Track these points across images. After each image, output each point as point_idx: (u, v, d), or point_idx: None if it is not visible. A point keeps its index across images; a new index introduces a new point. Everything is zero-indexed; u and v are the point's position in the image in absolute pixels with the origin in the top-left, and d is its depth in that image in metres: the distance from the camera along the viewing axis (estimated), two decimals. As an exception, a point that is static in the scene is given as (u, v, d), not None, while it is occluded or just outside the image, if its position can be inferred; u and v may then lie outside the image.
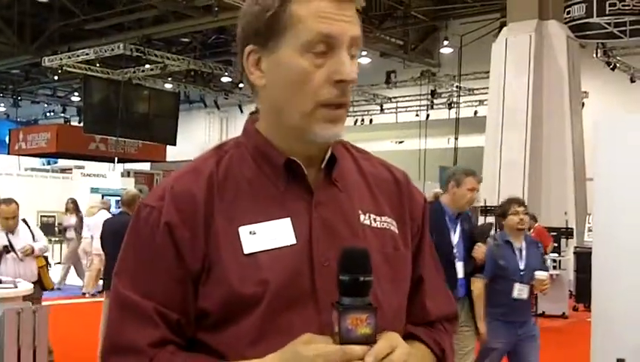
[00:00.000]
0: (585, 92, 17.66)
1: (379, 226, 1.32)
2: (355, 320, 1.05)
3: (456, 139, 20.06)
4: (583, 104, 16.79)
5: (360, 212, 1.31)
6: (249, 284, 1.20)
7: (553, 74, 14.27)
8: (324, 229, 1.26)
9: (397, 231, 1.34)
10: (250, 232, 1.23)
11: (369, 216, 1.31)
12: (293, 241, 1.23)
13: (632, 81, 19.32)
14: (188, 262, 1.22)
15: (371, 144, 26.19)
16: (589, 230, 4.90)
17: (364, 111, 25.09)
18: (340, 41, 1.23)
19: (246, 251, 1.22)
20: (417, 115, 22.94)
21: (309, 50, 1.22)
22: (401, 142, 25.09)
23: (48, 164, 26.17)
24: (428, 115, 22.67)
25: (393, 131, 24.66)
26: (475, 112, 21.42)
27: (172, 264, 1.22)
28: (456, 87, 21.72)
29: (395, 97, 24.04)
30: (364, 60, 22.58)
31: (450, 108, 22.27)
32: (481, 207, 13.32)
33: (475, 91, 21.03)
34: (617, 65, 18.47)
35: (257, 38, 1.26)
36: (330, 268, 1.19)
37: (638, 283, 3.90)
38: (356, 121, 25.39)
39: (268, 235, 1.23)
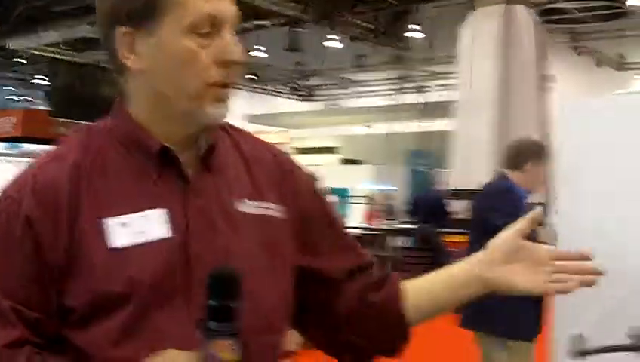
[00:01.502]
0: (552, 76, 17.83)
1: (259, 213, 1.24)
2: (220, 345, 1.03)
3: (425, 123, 20.15)
4: (550, 88, 16.95)
5: (239, 199, 1.23)
6: (118, 281, 1.11)
7: (520, 58, 14.38)
8: (201, 220, 1.18)
9: (281, 216, 1.26)
10: (121, 224, 1.14)
11: (249, 203, 1.23)
12: (168, 234, 1.15)
13: (598, 65, 19.55)
14: (48, 257, 1.13)
15: (340, 128, 26.24)
16: (556, 212, 4.90)
17: (334, 95, 25.08)
18: (224, 21, 1.17)
19: (116, 245, 1.13)
20: (387, 99, 22.99)
21: (194, 32, 1.15)
22: (370, 126, 25.14)
23: (13, 148, 25.80)
24: (397, 99, 22.73)
25: (362, 115, 24.67)
26: (444, 97, 21.51)
27: (31, 259, 1.13)
28: (426, 71, 21.79)
29: (364, 81, 24.03)
30: (335, 44, 22.53)
31: (419, 93, 22.36)
32: (452, 190, 13.44)
33: (445, 75, 21.11)
34: (584, 49, 18.67)
35: (132, 20, 1.16)
36: (206, 263, 1.13)
37: (598, 262, 3.96)
38: (326, 105, 25.39)
39: (140, 228, 1.14)
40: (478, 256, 1.29)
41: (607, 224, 3.95)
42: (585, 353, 0.88)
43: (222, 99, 1.19)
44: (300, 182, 1.33)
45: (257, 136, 1.39)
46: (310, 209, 1.32)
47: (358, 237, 10.56)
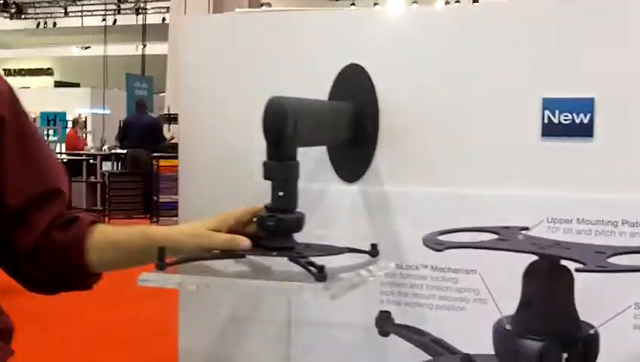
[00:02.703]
0: (266, 3, 18.31)
1: None
2: None
3: (144, 46, 19.83)
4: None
5: None
6: None
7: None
8: None
9: None
10: None
11: None
12: None
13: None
14: None
15: (56, 49, 24.89)
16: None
17: (47, 13, 23.68)
18: None
19: None
20: (104, 20, 22.22)
21: None
22: (87, 48, 24.20)
23: None
24: (115, 20, 22.05)
25: (78, 36, 23.64)
26: (163, 19, 21.22)
27: None
28: (143, -8, 21.34)
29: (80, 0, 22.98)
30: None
31: (137, 14, 21.85)
32: (166, 114, 13.48)
33: (163, -3, 20.84)
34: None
35: None
36: None
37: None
38: (39, 23, 23.95)
39: None
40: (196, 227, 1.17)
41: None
42: (166, 265, 0.96)
43: None
44: None
45: None
46: (3, 122, 1.16)
47: (65, 163, 10.25)
